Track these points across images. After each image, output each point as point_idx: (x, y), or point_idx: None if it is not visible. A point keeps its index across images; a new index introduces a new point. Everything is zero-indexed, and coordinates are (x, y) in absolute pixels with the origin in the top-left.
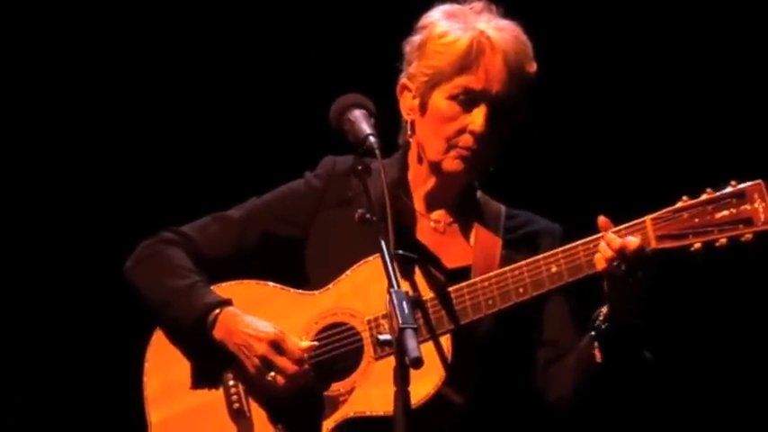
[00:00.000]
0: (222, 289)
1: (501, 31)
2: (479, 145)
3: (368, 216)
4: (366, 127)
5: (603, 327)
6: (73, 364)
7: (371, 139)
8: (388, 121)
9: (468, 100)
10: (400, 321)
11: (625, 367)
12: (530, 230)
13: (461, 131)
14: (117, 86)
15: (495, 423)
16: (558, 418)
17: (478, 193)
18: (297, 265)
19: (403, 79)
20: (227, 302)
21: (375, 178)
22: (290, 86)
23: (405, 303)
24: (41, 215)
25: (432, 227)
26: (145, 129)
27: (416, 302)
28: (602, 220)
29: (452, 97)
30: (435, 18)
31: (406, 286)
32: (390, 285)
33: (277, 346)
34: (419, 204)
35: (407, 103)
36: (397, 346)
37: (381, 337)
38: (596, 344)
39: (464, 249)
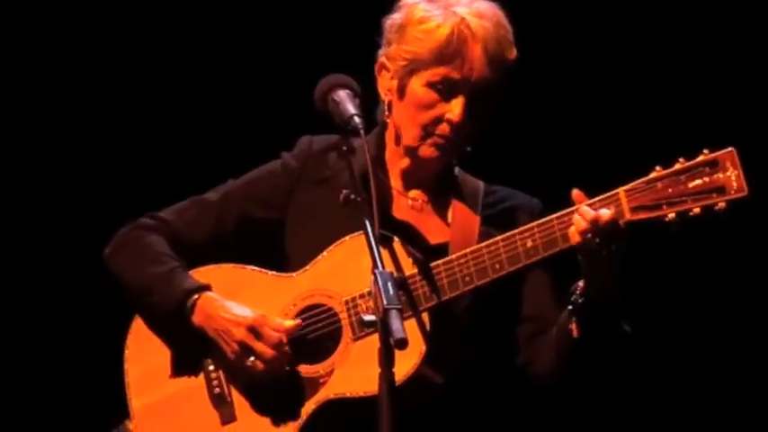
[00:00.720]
0: (200, 273)
1: (482, 17)
2: (456, 133)
3: (352, 197)
4: (351, 107)
5: (580, 301)
6: (54, 353)
7: (356, 119)
8: (366, 95)
9: (446, 89)
10: (385, 302)
11: (603, 341)
12: (508, 206)
13: (438, 119)
14: (87, 72)
15: (475, 402)
16: (541, 393)
17: (456, 170)
18: (277, 247)
19: (381, 58)
20: (206, 288)
21: (357, 158)
22: (270, 65)
23: (389, 284)
24: (20, 203)
25: (409, 204)
26: (120, 109)
27: (400, 283)
28: (575, 193)
29: (431, 85)
30: (419, 3)
31: (387, 265)
32: (375, 266)
33: (255, 330)
34: (396, 182)
35: (385, 83)
36: (382, 327)
37: (366, 317)
38: (573, 318)
39: (442, 227)
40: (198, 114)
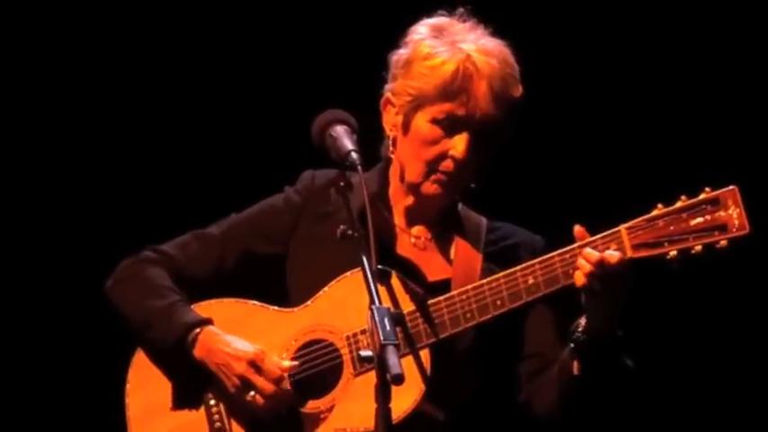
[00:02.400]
0: (202, 308)
1: (487, 55)
2: (459, 170)
3: (349, 232)
4: (348, 143)
5: (582, 338)
6: (56, 386)
7: (353, 155)
8: (371, 129)
9: (450, 125)
10: (382, 337)
11: (605, 377)
12: (510, 243)
13: (442, 156)
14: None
15: None
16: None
17: (460, 206)
18: (278, 282)
19: (387, 93)
20: (208, 321)
21: (356, 193)
22: (275, 97)
23: (386, 319)
24: (23, 231)
25: (412, 242)
26: (125, 143)
27: (398, 318)
28: (577, 229)
29: (435, 121)
30: (422, 35)
31: (385, 301)
32: (372, 301)
33: (255, 365)
34: (399, 219)
35: (390, 119)
36: (379, 363)
37: (363, 353)
38: (575, 356)
39: (444, 264)
40: (202, 146)
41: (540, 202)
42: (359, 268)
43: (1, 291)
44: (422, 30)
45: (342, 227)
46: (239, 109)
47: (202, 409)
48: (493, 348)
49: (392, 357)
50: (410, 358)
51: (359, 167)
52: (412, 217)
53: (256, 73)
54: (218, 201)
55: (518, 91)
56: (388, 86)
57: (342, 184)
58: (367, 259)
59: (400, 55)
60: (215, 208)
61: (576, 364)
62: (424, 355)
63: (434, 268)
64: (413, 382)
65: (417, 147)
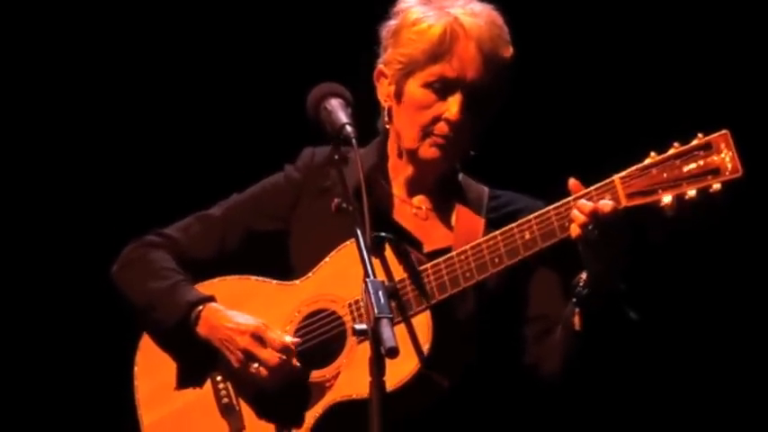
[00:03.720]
0: (204, 287)
1: (475, 16)
2: (455, 132)
3: (344, 205)
4: (343, 116)
5: (583, 292)
6: (64, 369)
7: (348, 128)
8: (368, 106)
9: (442, 88)
10: (376, 311)
11: (608, 331)
12: (513, 209)
13: (437, 119)
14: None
15: (483, 405)
16: (551, 393)
17: (460, 176)
18: (282, 259)
19: (380, 65)
20: (210, 299)
21: (352, 167)
22: (272, 77)
23: (380, 293)
24: (27, 219)
25: (413, 212)
26: (123, 127)
27: (392, 291)
28: (572, 182)
29: (427, 85)
30: (410, 3)
31: (381, 274)
32: (366, 274)
33: (258, 337)
34: (400, 190)
35: (384, 90)
36: (373, 336)
37: (357, 326)
38: (576, 311)
39: (446, 232)
40: (201, 127)
41: (533, 158)
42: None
43: (7, 280)
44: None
45: (336, 200)
46: (236, 90)
47: (209, 387)
48: (496, 313)
49: (386, 330)
50: (413, 322)
51: (353, 141)
52: (412, 187)
53: (252, 53)
54: (219, 182)
55: (508, 52)
56: (380, 59)
57: (336, 157)
58: (361, 232)
59: (390, 25)
60: (216, 190)
61: (577, 319)
62: (426, 317)
63: (436, 237)
64: (415, 343)
65: (412, 113)
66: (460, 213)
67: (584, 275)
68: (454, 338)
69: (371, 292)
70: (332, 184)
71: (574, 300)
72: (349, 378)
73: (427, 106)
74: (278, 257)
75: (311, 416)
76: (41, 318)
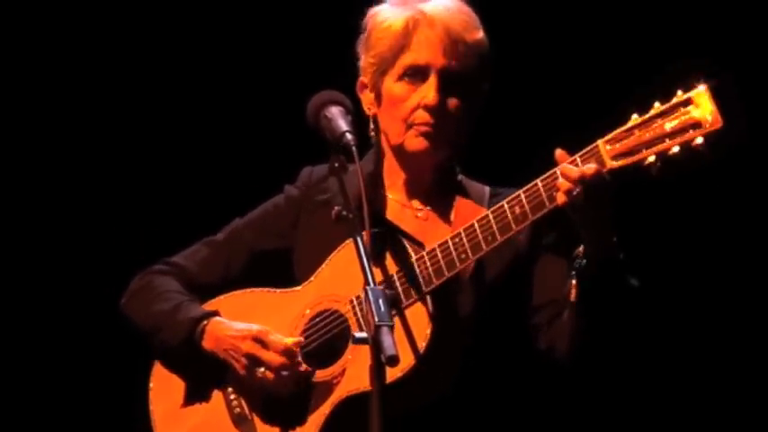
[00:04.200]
0: (210, 304)
1: (439, 5)
2: (437, 118)
3: (344, 213)
4: (343, 124)
5: (582, 263)
6: (80, 396)
7: (348, 135)
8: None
9: (415, 76)
10: (376, 319)
11: (604, 299)
12: None
13: (416, 109)
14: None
15: (484, 400)
16: (564, 376)
17: (460, 177)
18: (287, 276)
19: (360, 78)
20: (214, 313)
21: (352, 175)
22: (268, 100)
23: (381, 300)
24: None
25: (414, 215)
26: (122, 160)
27: (393, 299)
28: (558, 152)
29: (401, 78)
30: (379, 8)
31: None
32: (366, 282)
33: (260, 341)
34: (398, 195)
35: (366, 99)
36: (373, 344)
37: (357, 334)
38: (572, 282)
39: (449, 231)
40: (202, 154)
41: (518, 141)
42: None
43: (18, 306)
44: (381, 5)
45: (336, 208)
46: (235, 112)
47: (222, 401)
48: (496, 305)
49: (387, 338)
50: (411, 314)
51: (353, 148)
52: (411, 191)
53: (250, 73)
54: (221, 207)
55: (478, 34)
56: (359, 80)
57: (336, 165)
58: (361, 239)
59: (361, 36)
60: (219, 215)
61: (573, 290)
62: (424, 310)
63: (439, 237)
64: (414, 337)
65: (392, 109)
66: (462, 212)
67: (581, 248)
68: (453, 332)
69: (372, 300)
70: (331, 195)
71: (572, 272)
72: (355, 373)
73: (405, 98)
74: (283, 275)
75: (321, 414)
76: (55, 348)
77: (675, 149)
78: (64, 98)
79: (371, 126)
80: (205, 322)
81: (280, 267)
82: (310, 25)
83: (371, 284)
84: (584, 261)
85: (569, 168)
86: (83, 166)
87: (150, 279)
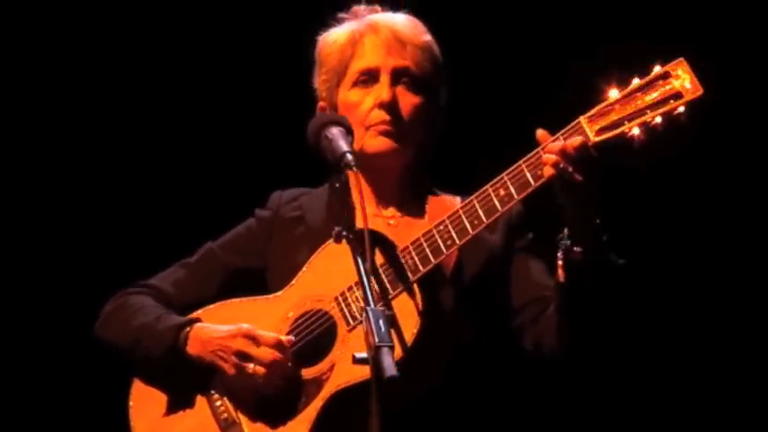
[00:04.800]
0: (191, 316)
1: (384, 15)
2: (393, 115)
3: (344, 233)
4: (343, 144)
5: (567, 244)
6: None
7: (348, 156)
8: None
9: (368, 81)
10: (376, 339)
11: (593, 278)
12: None
13: (372, 110)
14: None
15: (468, 397)
16: (555, 371)
17: (431, 188)
18: (263, 293)
19: (318, 103)
20: (196, 320)
21: (320, 195)
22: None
23: (381, 321)
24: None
25: (387, 223)
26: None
27: (392, 319)
28: (540, 132)
29: (354, 84)
30: (326, 32)
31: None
32: (366, 303)
33: (251, 337)
34: (369, 206)
35: None
36: (374, 364)
37: (358, 355)
38: (560, 263)
39: (417, 230)
40: (169, 180)
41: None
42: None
43: None
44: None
45: (337, 228)
46: (203, 138)
47: (207, 408)
48: (476, 304)
49: (387, 359)
50: (401, 301)
51: (354, 168)
52: (381, 201)
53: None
54: (190, 233)
55: (424, 37)
56: (318, 104)
57: (337, 185)
58: (362, 260)
59: (315, 64)
60: (188, 240)
61: (561, 271)
62: (415, 291)
63: (407, 238)
64: (407, 323)
65: (350, 115)
66: (433, 203)
67: (566, 229)
68: (438, 326)
69: (372, 320)
70: (302, 212)
71: (558, 254)
72: (344, 367)
73: (360, 102)
74: (258, 292)
75: (313, 408)
76: (32, 374)
77: (658, 120)
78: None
79: None
80: (188, 328)
81: (254, 287)
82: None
83: (372, 305)
84: (569, 242)
85: (554, 144)
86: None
87: (125, 299)
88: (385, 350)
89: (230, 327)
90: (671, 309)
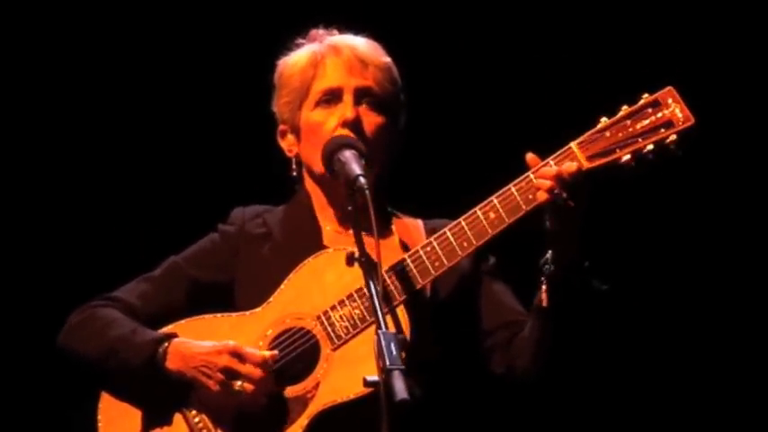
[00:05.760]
0: (166, 330)
1: (343, 37)
2: (358, 134)
3: (356, 255)
4: (356, 167)
5: (551, 269)
6: None
7: (361, 180)
8: None
9: (331, 101)
10: (388, 362)
11: (576, 304)
12: None
13: (336, 128)
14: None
15: (447, 414)
16: (528, 391)
17: (390, 209)
18: (226, 309)
19: (279, 127)
20: (173, 335)
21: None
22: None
23: (392, 344)
24: None
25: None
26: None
27: (404, 342)
28: (530, 156)
29: (317, 104)
30: (285, 57)
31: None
32: (378, 326)
33: (237, 354)
34: (334, 225)
35: (287, 143)
36: (385, 387)
37: (369, 378)
38: (543, 288)
39: (392, 251)
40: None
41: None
42: (313, 256)
43: None
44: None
45: (348, 251)
46: (168, 149)
47: (183, 425)
48: (451, 322)
49: (398, 382)
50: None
51: (366, 192)
52: (344, 219)
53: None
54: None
55: (384, 58)
56: (278, 127)
57: (350, 208)
58: (374, 284)
59: (275, 89)
60: (144, 254)
61: (544, 295)
62: (401, 312)
63: (384, 256)
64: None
65: (313, 136)
66: (401, 234)
67: (549, 254)
68: (418, 345)
69: (384, 344)
70: (268, 230)
71: (541, 279)
72: (330, 386)
73: (323, 122)
74: (221, 309)
75: (298, 426)
76: None
77: (650, 147)
78: None
79: (293, 166)
80: (166, 343)
81: (217, 301)
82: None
83: (383, 328)
84: (552, 267)
85: (549, 168)
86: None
87: (93, 311)
88: (396, 373)
89: (214, 343)
90: (647, 328)
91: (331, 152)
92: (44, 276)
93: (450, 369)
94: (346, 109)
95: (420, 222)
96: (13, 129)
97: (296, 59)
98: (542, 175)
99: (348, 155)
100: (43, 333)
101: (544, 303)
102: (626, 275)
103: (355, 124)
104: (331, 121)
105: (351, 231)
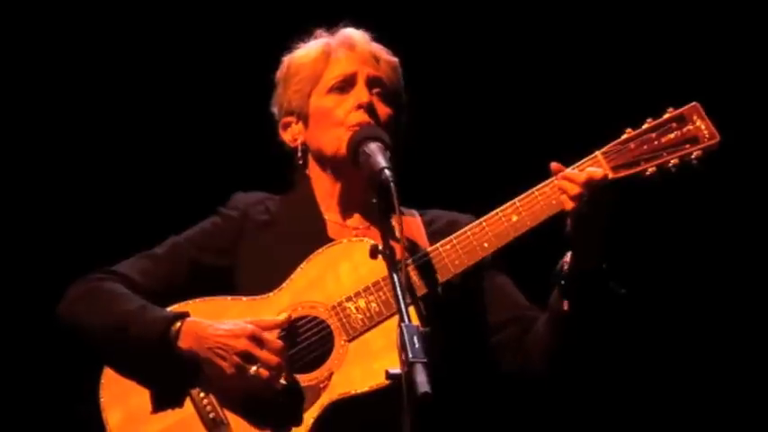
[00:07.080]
0: (175, 309)
1: (352, 31)
2: (373, 118)
3: (380, 248)
4: (381, 160)
5: (570, 274)
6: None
7: (386, 172)
8: None
9: (345, 84)
10: (410, 355)
11: (597, 308)
12: (447, 219)
13: (350, 112)
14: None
15: (453, 412)
16: (541, 388)
17: None
18: (228, 291)
19: (282, 120)
20: (186, 314)
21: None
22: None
23: (415, 337)
24: None
25: (352, 234)
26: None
27: (426, 336)
28: (554, 165)
29: (330, 90)
30: (291, 53)
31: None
32: (401, 319)
33: (256, 339)
34: (335, 216)
35: (293, 133)
36: (407, 380)
37: (391, 371)
38: (562, 291)
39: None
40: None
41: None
42: (327, 245)
43: None
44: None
45: (372, 243)
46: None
47: (190, 405)
48: (463, 319)
49: (420, 375)
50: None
51: (391, 184)
52: (345, 211)
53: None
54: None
55: (392, 57)
56: (279, 121)
57: (374, 200)
58: (397, 276)
59: (278, 86)
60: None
61: (565, 301)
62: (418, 309)
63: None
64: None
65: (324, 120)
66: (408, 230)
67: (567, 258)
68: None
69: (407, 336)
70: (272, 218)
71: (561, 282)
72: (344, 377)
73: (336, 106)
74: (220, 292)
75: (309, 417)
76: None
77: (675, 161)
78: None
79: (300, 159)
80: (180, 323)
81: (217, 283)
82: None
83: (407, 321)
84: (572, 271)
85: (577, 174)
86: None
87: (97, 284)
88: (419, 366)
89: (231, 324)
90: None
91: (356, 144)
92: (44, 268)
93: (461, 365)
94: (361, 93)
95: (416, 214)
96: (13, 118)
97: (306, 51)
98: (570, 178)
99: (373, 147)
100: (42, 319)
101: (565, 308)
102: (639, 278)
103: (371, 108)
104: (345, 105)
105: (350, 222)
